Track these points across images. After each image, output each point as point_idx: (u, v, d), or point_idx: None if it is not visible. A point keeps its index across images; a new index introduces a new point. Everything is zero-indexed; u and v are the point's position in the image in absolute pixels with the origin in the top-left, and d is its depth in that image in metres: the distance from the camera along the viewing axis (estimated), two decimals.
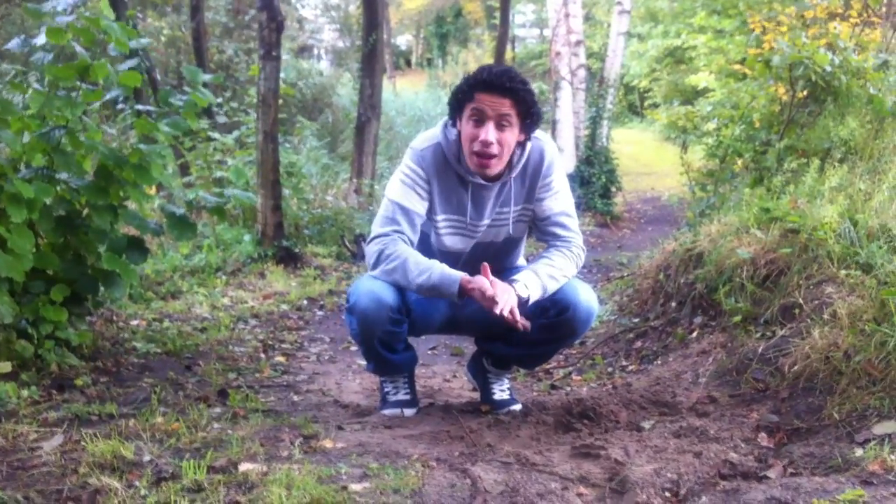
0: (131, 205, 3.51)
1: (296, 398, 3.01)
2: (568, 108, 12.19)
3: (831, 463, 1.89)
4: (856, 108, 4.68)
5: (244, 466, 1.88)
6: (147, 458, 1.95)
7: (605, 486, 1.83)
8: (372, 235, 2.43)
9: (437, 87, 20.75)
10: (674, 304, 3.78)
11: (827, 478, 1.76)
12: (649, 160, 16.96)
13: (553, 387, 3.29)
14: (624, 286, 4.99)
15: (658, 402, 2.58)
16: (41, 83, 3.11)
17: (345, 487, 1.74)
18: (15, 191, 2.77)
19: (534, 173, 2.46)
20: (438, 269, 2.30)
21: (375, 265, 2.39)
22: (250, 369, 3.47)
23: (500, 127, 2.31)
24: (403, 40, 34.96)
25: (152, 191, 4.01)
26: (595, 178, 11.38)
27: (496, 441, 2.23)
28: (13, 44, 3.04)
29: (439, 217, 2.47)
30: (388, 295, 2.37)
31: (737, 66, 7.19)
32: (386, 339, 2.47)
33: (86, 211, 3.19)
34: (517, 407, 2.69)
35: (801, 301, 2.81)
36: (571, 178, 9.94)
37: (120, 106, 3.25)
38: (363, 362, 3.26)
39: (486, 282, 2.23)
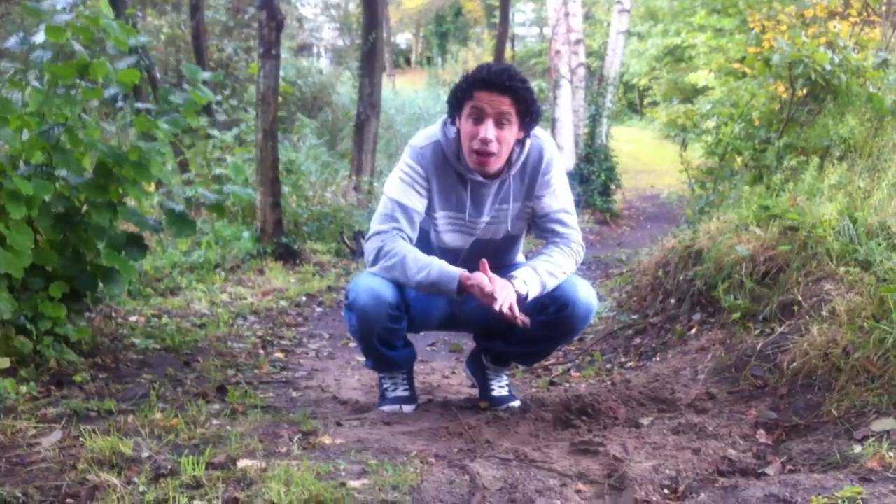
0: (130, 202, 3.51)
1: (294, 394, 3.01)
2: (567, 107, 12.21)
3: (830, 460, 1.89)
4: (855, 106, 4.68)
5: (243, 463, 1.88)
6: (146, 454, 1.95)
7: (604, 482, 1.83)
8: (371, 232, 2.43)
9: (437, 85, 20.71)
10: (673, 300, 3.78)
11: (825, 474, 1.75)
12: (649, 158, 16.97)
13: (552, 383, 3.30)
14: (623, 283, 5.00)
15: (657, 399, 2.58)
16: (40, 81, 3.11)
17: (343, 484, 1.74)
18: (14, 188, 2.78)
19: (533, 171, 2.46)
20: (437, 266, 2.29)
21: (374, 262, 2.39)
22: (249, 366, 3.47)
23: (499, 125, 2.30)
24: (403, 39, 34.94)
25: (151, 188, 4.01)
26: (594, 175, 11.40)
27: (495, 437, 2.23)
28: (12, 42, 3.04)
29: (438, 214, 2.47)
30: (388, 292, 2.37)
31: (736, 65, 7.19)
32: (385, 336, 2.47)
33: (85, 208, 3.20)
34: (516, 403, 2.69)
35: (799, 298, 2.82)
36: (571, 175, 9.91)
37: (119, 104, 3.25)
38: (362, 359, 3.27)
39: (485, 278, 2.23)
